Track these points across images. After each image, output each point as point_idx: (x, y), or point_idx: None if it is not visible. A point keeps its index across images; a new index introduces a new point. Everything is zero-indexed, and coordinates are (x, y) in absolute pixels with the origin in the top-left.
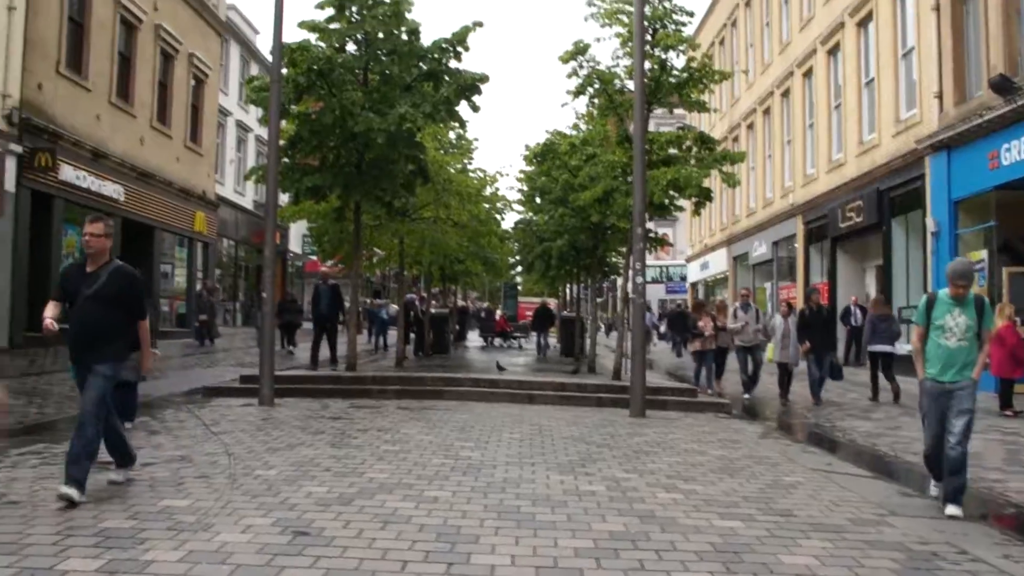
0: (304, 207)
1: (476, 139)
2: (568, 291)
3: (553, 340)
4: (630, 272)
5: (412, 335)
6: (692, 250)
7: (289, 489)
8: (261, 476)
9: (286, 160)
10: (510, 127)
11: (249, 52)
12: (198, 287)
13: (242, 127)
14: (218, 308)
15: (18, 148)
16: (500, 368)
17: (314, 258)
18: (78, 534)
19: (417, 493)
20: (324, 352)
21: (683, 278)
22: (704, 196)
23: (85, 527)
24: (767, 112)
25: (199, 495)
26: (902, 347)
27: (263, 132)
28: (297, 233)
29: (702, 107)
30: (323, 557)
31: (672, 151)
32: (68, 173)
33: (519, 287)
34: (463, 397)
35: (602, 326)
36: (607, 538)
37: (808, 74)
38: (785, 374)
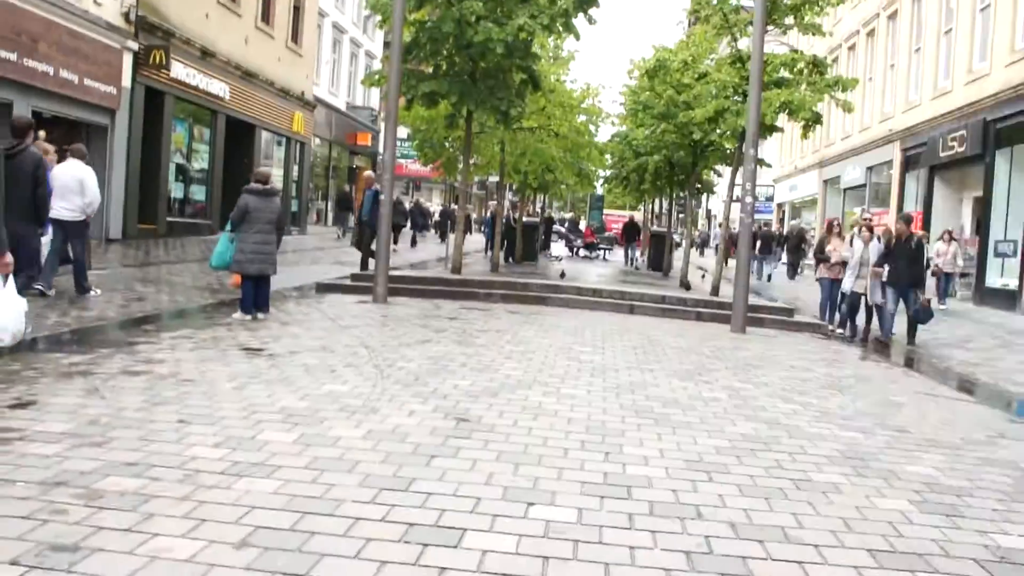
0: (416, 112)
1: (576, 51)
2: (654, 206)
3: (638, 253)
4: (736, 190)
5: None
6: (781, 171)
7: (435, 381)
8: (404, 368)
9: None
10: (599, 38)
11: None
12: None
13: (338, 28)
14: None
15: (134, 45)
16: (562, 275)
17: (402, 162)
18: (261, 411)
19: (554, 390)
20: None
21: (769, 199)
22: (816, 120)
23: (265, 405)
24: (871, 34)
25: (355, 382)
26: None
27: (358, 34)
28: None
29: (817, 30)
30: (491, 441)
31: (783, 74)
32: (179, 70)
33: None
34: (567, 304)
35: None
36: (741, 440)
37: None
38: (855, 306)
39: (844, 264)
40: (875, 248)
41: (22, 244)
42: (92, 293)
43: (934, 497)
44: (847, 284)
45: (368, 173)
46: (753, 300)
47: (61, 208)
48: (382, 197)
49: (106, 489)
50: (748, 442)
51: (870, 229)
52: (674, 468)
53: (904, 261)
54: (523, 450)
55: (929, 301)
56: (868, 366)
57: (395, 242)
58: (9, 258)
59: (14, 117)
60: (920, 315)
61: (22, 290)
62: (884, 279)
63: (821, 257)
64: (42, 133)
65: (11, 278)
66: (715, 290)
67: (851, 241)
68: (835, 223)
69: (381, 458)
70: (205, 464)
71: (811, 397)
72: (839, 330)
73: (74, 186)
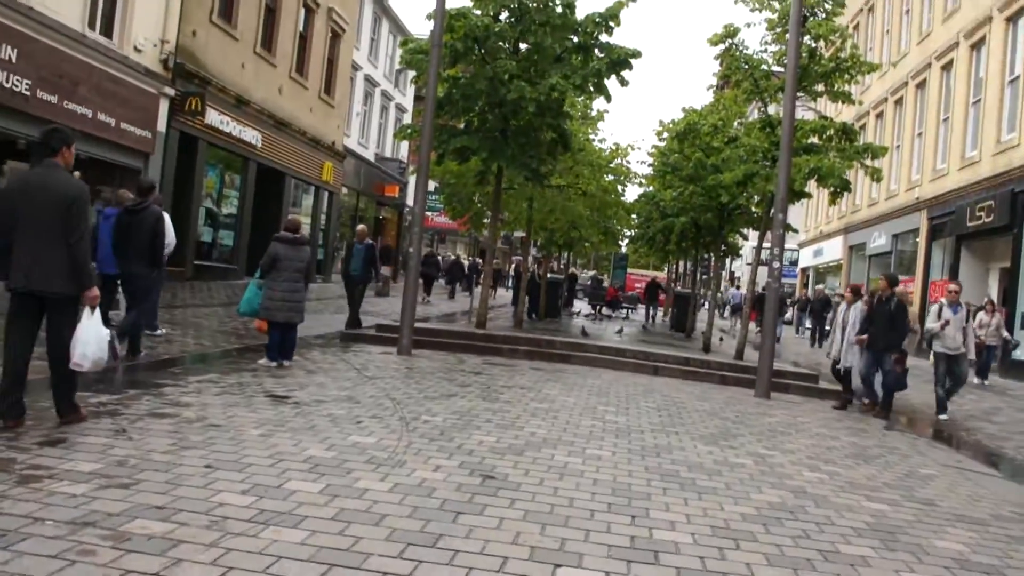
0: (447, 166)
1: (606, 110)
2: (679, 267)
3: (660, 312)
4: (763, 254)
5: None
6: (806, 236)
7: (461, 436)
8: (430, 422)
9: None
10: (628, 96)
11: (382, 9)
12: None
13: (370, 82)
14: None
15: (171, 91)
16: (585, 333)
17: (428, 214)
18: (288, 459)
19: (580, 450)
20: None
21: (794, 263)
22: (844, 187)
23: (292, 454)
24: (899, 102)
25: (381, 434)
26: None
27: (389, 88)
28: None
29: (847, 98)
30: (517, 500)
31: (813, 140)
32: (213, 117)
33: (626, 258)
34: (591, 363)
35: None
36: (767, 508)
37: (948, 67)
38: (845, 373)
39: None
40: (856, 311)
41: (136, 281)
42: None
43: (965, 575)
44: (833, 350)
45: (360, 227)
46: (778, 365)
47: None
48: (409, 249)
49: (134, 532)
50: (774, 510)
51: (855, 291)
52: (701, 534)
53: (881, 323)
54: (549, 510)
55: (905, 371)
56: (893, 436)
57: (428, 293)
58: (95, 291)
59: (140, 179)
60: (892, 382)
61: (131, 328)
62: (858, 340)
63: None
64: (76, 174)
65: (97, 310)
66: (739, 353)
67: (938, 312)
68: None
69: (408, 512)
70: (232, 511)
71: (837, 466)
72: (942, 416)
73: None
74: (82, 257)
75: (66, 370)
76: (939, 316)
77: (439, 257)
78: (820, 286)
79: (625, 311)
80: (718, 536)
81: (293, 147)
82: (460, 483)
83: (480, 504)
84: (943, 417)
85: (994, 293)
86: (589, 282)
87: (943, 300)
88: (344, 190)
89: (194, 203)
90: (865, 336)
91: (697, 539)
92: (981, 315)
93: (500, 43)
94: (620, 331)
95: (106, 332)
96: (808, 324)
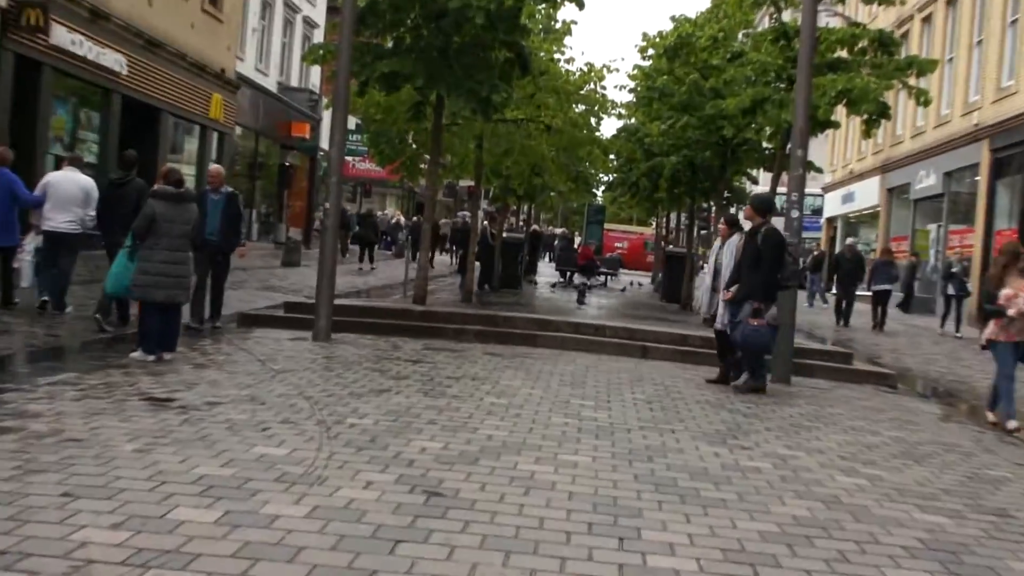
0: (372, 97)
1: (574, 21)
2: (669, 220)
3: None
4: (778, 202)
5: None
6: (833, 177)
7: (397, 442)
8: (357, 425)
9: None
10: (602, 3)
11: None
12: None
13: None
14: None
15: (2, 1)
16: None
17: (349, 159)
18: (173, 481)
19: (550, 456)
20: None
21: (816, 212)
22: (882, 113)
23: (178, 473)
24: (952, 2)
25: (294, 444)
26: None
27: None
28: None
29: None
30: (472, 522)
31: (841, 54)
32: (61, 36)
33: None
34: (562, 345)
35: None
36: (792, 523)
37: None
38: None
39: None
40: (732, 247)
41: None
42: (68, 310)
43: None
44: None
45: (215, 167)
46: (800, 342)
47: (61, 221)
48: (324, 205)
49: None
50: (801, 527)
51: (730, 223)
52: (708, 560)
53: (745, 264)
54: (514, 534)
55: (771, 327)
56: (952, 429)
57: (371, 260)
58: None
59: (123, 153)
60: (745, 337)
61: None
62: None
63: (991, 308)
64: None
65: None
66: None
67: None
68: (1021, 251)
69: (331, 543)
70: (100, 552)
71: (879, 469)
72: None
73: (77, 196)
74: None
75: None
76: None
77: (376, 216)
78: (851, 240)
79: (603, 278)
80: (730, 561)
81: (170, 75)
82: (398, 503)
83: (424, 529)
84: None
85: None
86: (556, 242)
87: None
88: (239, 130)
89: (38, 148)
90: (734, 287)
91: (703, 566)
92: None
93: None
94: (580, 301)
95: None
96: (833, 291)
